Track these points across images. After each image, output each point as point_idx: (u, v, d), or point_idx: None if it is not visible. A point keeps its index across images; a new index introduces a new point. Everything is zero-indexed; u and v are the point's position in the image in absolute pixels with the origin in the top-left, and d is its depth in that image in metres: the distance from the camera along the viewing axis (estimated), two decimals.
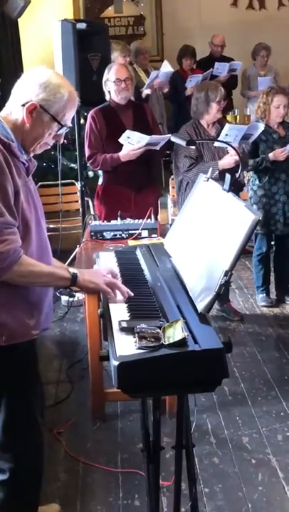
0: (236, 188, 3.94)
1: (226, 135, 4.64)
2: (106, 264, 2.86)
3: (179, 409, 2.39)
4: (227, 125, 4.75)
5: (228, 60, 8.61)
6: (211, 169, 3.09)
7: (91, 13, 9.67)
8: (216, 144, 4.74)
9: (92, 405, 3.80)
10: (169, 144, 4.43)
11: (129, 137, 4.43)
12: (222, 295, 4.96)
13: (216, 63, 7.91)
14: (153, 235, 3.96)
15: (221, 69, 7.93)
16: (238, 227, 2.22)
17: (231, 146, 3.70)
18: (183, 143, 3.13)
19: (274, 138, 5.12)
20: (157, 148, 4.53)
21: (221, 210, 2.47)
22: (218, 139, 4.65)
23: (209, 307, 2.20)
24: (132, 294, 2.45)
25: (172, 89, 7.88)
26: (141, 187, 4.77)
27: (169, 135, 4.62)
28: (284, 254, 5.43)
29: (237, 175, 3.43)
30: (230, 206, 2.41)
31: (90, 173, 6.65)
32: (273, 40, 8.78)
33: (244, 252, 6.52)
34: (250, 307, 5.39)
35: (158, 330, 2.05)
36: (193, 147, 4.46)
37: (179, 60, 8.37)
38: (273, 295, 5.48)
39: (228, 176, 2.65)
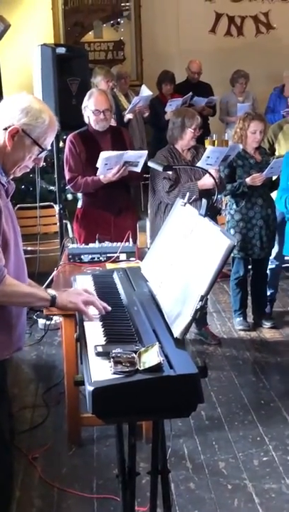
0: (212, 212, 3.97)
1: (208, 157, 4.69)
2: (82, 286, 2.86)
3: (154, 435, 2.37)
4: (209, 147, 4.81)
5: (205, 85, 8.75)
6: (188, 194, 3.11)
7: (71, 37, 9.75)
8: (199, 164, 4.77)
9: (68, 430, 3.76)
10: (147, 168, 4.46)
11: (106, 163, 4.45)
12: (199, 319, 5.04)
13: (195, 97, 7.99)
14: (131, 259, 3.97)
15: (198, 102, 8.02)
16: (214, 252, 2.23)
17: (208, 172, 3.74)
18: (160, 168, 3.16)
19: (251, 163, 5.17)
20: (138, 170, 4.56)
21: (197, 234, 2.48)
22: (200, 161, 4.70)
23: (185, 332, 2.20)
24: (110, 309, 2.46)
25: (152, 114, 7.95)
26: (120, 210, 4.79)
27: (145, 151, 4.67)
28: (261, 278, 5.47)
29: (213, 199, 3.46)
30: (206, 231, 2.42)
31: (69, 196, 6.66)
32: (251, 66, 8.91)
33: (222, 276, 6.63)
34: (227, 331, 5.40)
35: (133, 355, 2.05)
36: (170, 172, 4.50)
37: (159, 85, 8.46)
38: (250, 319, 5.50)
39: (204, 201, 2.67)
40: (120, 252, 3.97)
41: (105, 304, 2.51)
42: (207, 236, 2.39)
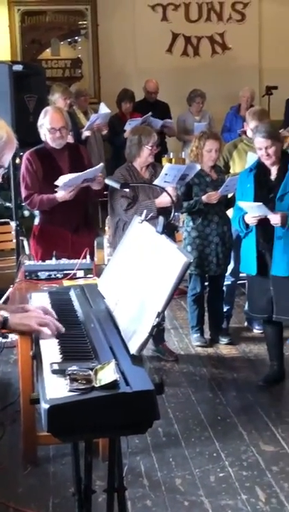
0: (169, 230, 4.01)
1: (166, 174, 4.74)
2: (41, 304, 2.84)
3: (110, 452, 2.37)
4: (167, 164, 4.87)
5: (163, 104, 8.84)
6: (145, 211, 3.13)
7: (28, 55, 9.76)
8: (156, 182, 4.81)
9: (24, 449, 3.72)
10: (106, 185, 4.48)
11: (65, 183, 4.45)
12: (157, 335, 5.06)
13: (151, 118, 8.06)
14: (88, 275, 3.96)
15: (154, 123, 8.09)
16: (170, 269, 2.25)
17: (165, 190, 3.78)
18: (117, 186, 3.18)
19: (207, 181, 5.24)
20: (98, 187, 4.57)
21: (154, 252, 2.50)
22: (158, 178, 4.75)
23: (141, 348, 2.21)
24: (63, 330, 2.44)
25: (111, 132, 8.00)
26: (77, 227, 4.79)
27: (101, 164, 4.70)
28: (217, 294, 5.52)
29: (170, 217, 3.49)
30: (162, 248, 2.44)
31: (26, 213, 6.63)
32: (207, 86, 9.05)
33: (179, 293, 6.66)
34: (184, 347, 5.42)
35: (90, 372, 2.04)
36: (127, 190, 4.52)
37: (119, 104, 8.51)
38: (207, 335, 5.54)
39: (161, 218, 2.70)
40: (77, 269, 3.96)
41: (60, 325, 2.47)
42: (164, 253, 2.41)
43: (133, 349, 2.21)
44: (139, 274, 2.51)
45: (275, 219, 4.28)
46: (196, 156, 5.23)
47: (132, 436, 3.83)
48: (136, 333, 2.26)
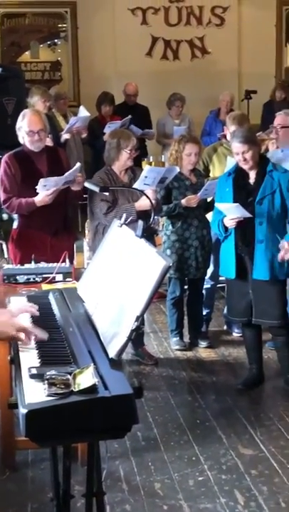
0: (149, 233, 4.01)
1: (146, 177, 4.74)
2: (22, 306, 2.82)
3: (89, 457, 2.36)
4: (147, 167, 4.86)
5: (143, 108, 8.84)
6: (124, 215, 3.13)
7: (7, 57, 9.73)
8: (135, 186, 4.80)
9: (2, 454, 3.69)
10: (85, 188, 4.47)
11: (45, 185, 4.44)
12: (136, 339, 5.05)
13: (132, 126, 8.05)
14: (68, 279, 3.94)
15: (135, 131, 8.08)
16: (150, 273, 2.25)
17: (144, 193, 3.78)
18: (96, 189, 3.17)
19: (186, 185, 5.25)
20: (78, 188, 4.56)
21: (133, 255, 2.49)
22: (138, 181, 4.75)
23: (120, 352, 2.20)
24: (45, 337, 2.42)
25: (91, 135, 7.99)
26: (57, 231, 4.77)
27: (79, 164, 4.68)
28: (197, 297, 5.53)
29: (150, 220, 3.50)
30: (142, 252, 2.44)
31: (4, 216, 6.58)
32: (187, 90, 9.08)
33: (159, 296, 6.66)
34: (164, 351, 5.42)
35: (68, 376, 2.03)
36: (106, 193, 4.52)
37: (98, 107, 8.50)
38: (187, 338, 5.54)
39: (140, 222, 2.70)
40: (56, 273, 3.94)
41: (39, 332, 2.43)
42: (143, 257, 2.40)
43: (112, 353, 2.20)
44: (118, 277, 2.51)
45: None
46: (175, 159, 5.25)
47: (111, 441, 3.81)
48: (115, 337, 2.26)
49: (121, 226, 2.85)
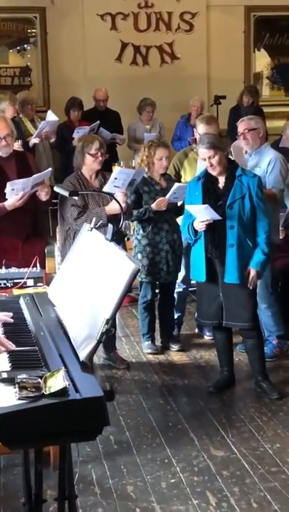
0: (118, 237, 4.02)
1: (115, 179, 4.76)
2: None
3: (61, 460, 2.37)
4: (117, 168, 4.88)
5: (113, 113, 8.87)
6: (94, 219, 3.15)
7: None
8: (105, 189, 4.82)
9: None
10: (56, 193, 4.47)
11: (13, 189, 4.43)
12: (108, 344, 5.06)
13: (101, 129, 8.07)
14: (38, 284, 3.94)
15: (104, 134, 8.11)
16: (119, 276, 2.27)
17: (114, 197, 3.80)
18: (66, 193, 3.18)
19: (156, 189, 5.28)
20: (45, 198, 4.55)
21: (103, 259, 2.52)
22: (108, 183, 4.77)
23: (91, 355, 2.22)
24: (13, 348, 2.41)
25: (60, 140, 7.99)
26: (28, 236, 4.77)
27: (50, 169, 4.68)
28: (168, 301, 5.55)
29: (120, 224, 3.51)
30: (111, 256, 2.46)
31: None
32: (157, 95, 9.13)
33: (130, 300, 6.65)
34: (136, 355, 5.43)
35: (39, 380, 2.04)
36: (76, 198, 4.53)
37: (67, 111, 8.51)
38: (159, 342, 5.56)
39: (110, 226, 2.72)
40: (27, 278, 3.93)
41: (8, 343, 2.43)
42: (112, 260, 2.43)
43: (83, 356, 2.22)
44: (88, 281, 2.52)
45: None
46: (146, 164, 5.27)
47: (84, 445, 3.82)
48: (85, 340, 2.28)
49: (91, 230, 2.87)
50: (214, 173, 4.48)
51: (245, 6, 10.27)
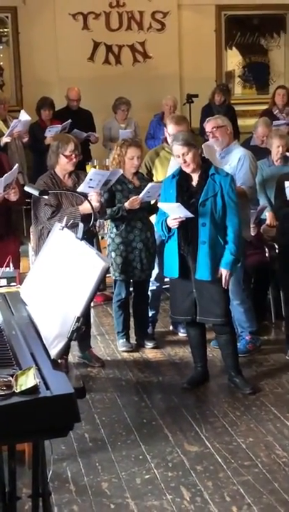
0: (89, 236, 4.05)
1: (90, 180, 4.79)
2: None
3: (34, 457, 2.39)
4: (92, 170, 4.90)
5: (85, 112, 8.88)
6: (66, 218, 3.17)
7: None
8: (80, 189, 4.84)
9: None
10: (29, 193, 4.48)
11: None
12: (83, 342, 5.08)
13: (75, 130, 8.06)
14: (12, 284, 3.94)
15: (78, 134, 8.11)
16: (89, 274, 2.30)
17: (86, 198, 3.83)
18: (36, 193, 3.20)
19: (129, 188, 5.30)
20: (14, 198, 4.56)
21: (74, 257, 2.54)
22: (82, 184, 4.79)
23: (62, 353, 2.24)
24: None
25: (32, 139, 7.99)
26: (1, 236, 4.77)
27: (17, 165, 4.68)
28: (143, 299, 5.59)
29: (91, 223, 3.53)
30: (82, 254, 2.49)
31: None
32: (131, 94, 9.15)
33: (105, 299, 6.66)
34: (111, 353, 5.46)
35: (10, 378, 2.06)
36: (46, 197, 4.54)
37: (38, 111, 8.50)
38: (133, 340, 5.59)
39: (81, 225, 2.75)
40: (0, 278, 3.93)
41: None
42: (83, 258, 2.45)
43: (53, 354, 2.24)
44: (59, 280, 2.55)
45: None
46: (118, 163, 5.30)
47: (59, 443, 3.85)
48: (56, 338, 2.30)
49: (62, 229, 2.89)
50: (188, 170, 4.52)
51: (216, 5, 10.32)
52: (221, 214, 4.48)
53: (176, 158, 4.55)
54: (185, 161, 4.46)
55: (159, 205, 4.58)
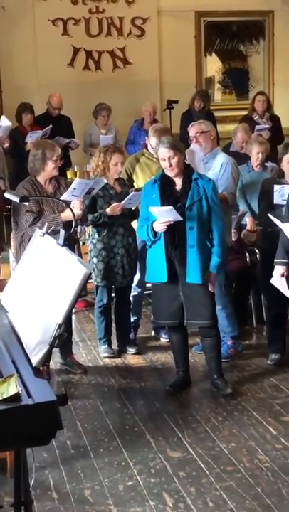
0: (70, 242, 4.05)
1: (74, 189, 4.79)
2: None
3: (16, 465, 2.38)
4: (76, 180, 4.94)
5: (65, 118, 8.87)
6: (46, 224, 3.16)
7: None
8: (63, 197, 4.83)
9: None
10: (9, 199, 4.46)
11: None
12: (64, 348, 5.07)
13: (57, 137, 8.05)
14: None
15: (60, 141, 8.10)
16: (70, 280, 2.29)
17: (68, 205, 3.83)
18: (17, 199, 3.19)
19: (111, 194, 5.30)
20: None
21: (55, 264, 2.53)
22: (66, 192, 4.79)
23: (44, 360, 2.23)
24: None
25: (12, 145, 7.97)
26: None
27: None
28: (124, 305, 5.58)
29: (72, 229, 3.53)
30: (63, 260, 2.48)
31: None
32: (111, 100, 9.15)
33: (87, 305, 6.65)
34: (93, 359, 5.45)
35: None
36: (27, 203, 4.53)
37: (19, 117, 8.48)
38: (115, 346, 5.58)
39: (62, 231, 2.74)
40: None
41: None
42: (64, 265, 2.44)
43: (35, 361, 2.23)
44: (40, 286, 2.54)
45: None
46: (102, 170, 5.28)
47: (41, 450, 3.83)
48: (38, 345, 2.29)
49: (43, 235, 2.89)
50: (172, 174, 4.53)
51: (195, 12, 10.35)
52: (206, 217, 4.52)
53: (162, 162, 4.56)
54: (171, 165, 4.48)
55: (150, 208, 4.57)
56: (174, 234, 4.50)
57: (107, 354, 5.47)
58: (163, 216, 4.47)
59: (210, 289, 4.55)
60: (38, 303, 2.47)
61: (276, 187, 4.98)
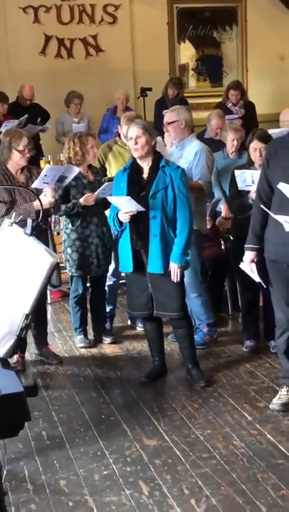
0: (38, 231, 4.01)
1: (45, 175, 4.74)
2: None
3: None
4: (47, 165, 4.86)
5: (37, 107, 8.79)
6: (14, 214, 3.11)
7: None
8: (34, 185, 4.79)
9: None
10: None
11: None
12: (39, 339, 5.04)
13: (29, 125, 7.97)
14: None
15: (32, 129, 8.03)
16: (37, 270, 2.26)
17: (37, 196, 3.80)
18: None
19: (84, 183, 5.26)
20: None
21: (22, 254, 2.50)
22: (37, 180, 4.75)
23: (11, 351, 2.21)
24: None
25: None
26: None
27: None
28: (100, 295, 5.55)
29: (39, 219, 3.50)
30: (30, 249, 2.45)
31: None
32: (84, 88, 9.10)
33: (62, 295, 6.58)
34: (68, 349, 5.42)
35: None
36: (3, 195, 4.49)
37: None
38: (91, 336, 5.56)
39: (29, 220, 2.70)
40: None
41: None
42: (31, 254, 2.41)
43: (2, 352, 2.20)
44: (7, 276, 2.50)
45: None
46: (81, 156, 5.18)
47: (15, 442, 3.80)
48: (5, 336, 2.26)
49: (11, 225, 2.84)
50: (136, 155, 4.47)
51: None
52: (172, 207, 4.44)
53: (129, 141, 4.52)
54: (136, 143, 4.42)
55: (109, 198, 4.55)
56: (139, 223, 4.46)
57: (83, 344, 5.45)
58: (124, 206, 4.43)
59: (173, 279, 4.49)
60: (4, 293, 2.44)
61: (236, 172, 4.93)
